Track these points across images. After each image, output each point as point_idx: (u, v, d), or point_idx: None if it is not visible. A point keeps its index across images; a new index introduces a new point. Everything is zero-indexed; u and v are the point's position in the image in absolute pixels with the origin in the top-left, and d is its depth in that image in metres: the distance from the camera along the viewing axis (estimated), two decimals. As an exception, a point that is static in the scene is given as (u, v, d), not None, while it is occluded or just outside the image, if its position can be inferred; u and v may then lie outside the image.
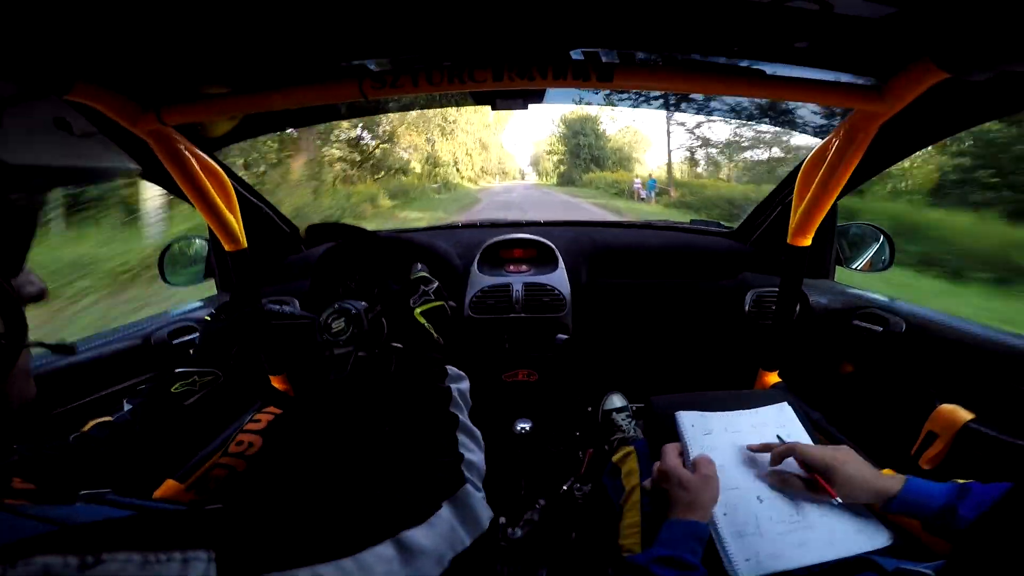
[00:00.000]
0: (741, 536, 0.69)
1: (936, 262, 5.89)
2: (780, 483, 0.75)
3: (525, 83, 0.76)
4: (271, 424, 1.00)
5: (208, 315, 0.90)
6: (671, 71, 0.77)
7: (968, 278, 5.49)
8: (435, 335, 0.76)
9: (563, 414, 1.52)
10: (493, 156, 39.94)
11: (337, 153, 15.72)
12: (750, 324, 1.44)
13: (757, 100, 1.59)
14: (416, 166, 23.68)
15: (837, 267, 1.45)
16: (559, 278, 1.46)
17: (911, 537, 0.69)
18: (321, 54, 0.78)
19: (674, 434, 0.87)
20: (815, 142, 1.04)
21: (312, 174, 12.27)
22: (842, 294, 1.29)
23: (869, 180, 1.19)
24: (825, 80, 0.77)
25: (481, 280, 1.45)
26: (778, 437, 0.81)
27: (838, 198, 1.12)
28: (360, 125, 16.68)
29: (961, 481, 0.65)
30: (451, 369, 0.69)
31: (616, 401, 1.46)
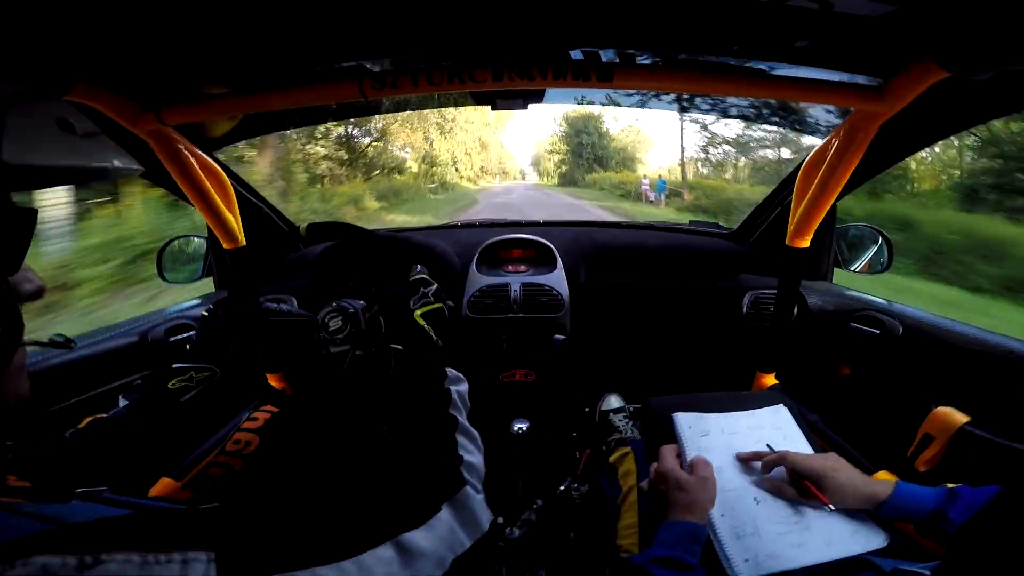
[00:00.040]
0: (739, 537, 0.69)
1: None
2: (773, 490, 0.75)
3: (525, 83, 0.76)
4: (268, 422, 1.00)
5: (205, 311, 0.90)
6: (671, 71, 0.77)
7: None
8: (434, 337, 0.76)
9: (560, 414, 1.52)
10: (493, 155, 39.28)
11: (322, 151, 14.70)
12: (748, 326, 1.44)
13: (768, 100, 1.58)
14: (412, 165, 23.13)
15: (850, 270, 1.45)
16: (557, 278, 1.46)
17: (907, 538, 0.69)
18: (321, 54, 0.78)
19: (671, 435, 0.87)
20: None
21: (282, 174, 11.23)
22: (839, 296, 1.29)
23: (872, 179, 1.18)
24: (825, 80, 0.77)
25: (479, 280, 1.45)
26: (768, 446, 0.81)
27: (837, 199, 1.12)
28: (351, 122, 16.18)
29: (951, 486, 0.66)
30: (450, 371, 0.69)
31: (613, 402, 1.46)
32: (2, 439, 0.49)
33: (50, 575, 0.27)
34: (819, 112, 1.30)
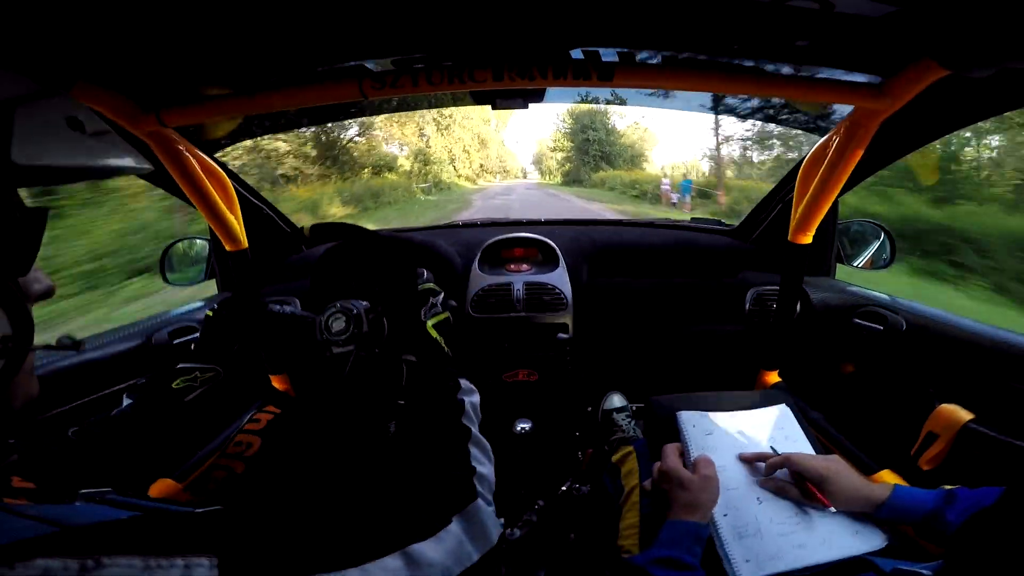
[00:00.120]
0: (741, 537, 0.69)
1: None
2: (776, 491, 0.75)
3: (525, 83, 0.76)
4: (270, 424, 1.00)
5: (209, 310, 0.90)
6: (671, 70, 0.76)
7: None
8: (446, 348, 0.75)
9: (563, 414, 1.52)
10: (493, 153, 38.49)
11: (284, 147, 12.81)
12: (750, 323, 1.44)
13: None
14: (404, 163, 21.86)
15: (853, 266, 1.44)
16: (560, 277, 1.46)
17: (907, 539, 0.70)
18: (321, 54, 0.78)
19: (674, 434, 0.87)
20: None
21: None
22: (842, 292, 1.29)
23: (935, 184, 1.18)
24: (826, 78, 0.77)
25: (482, 279, 1.45)
26: (772, 448, 0.81)
27: (839, 195, 1.12)
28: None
29: (948, 487, 0.66)
30: (463, 382, 0.69)
31: (616, 401, 1.45)
32: (7, 439, 0.49)
33: None
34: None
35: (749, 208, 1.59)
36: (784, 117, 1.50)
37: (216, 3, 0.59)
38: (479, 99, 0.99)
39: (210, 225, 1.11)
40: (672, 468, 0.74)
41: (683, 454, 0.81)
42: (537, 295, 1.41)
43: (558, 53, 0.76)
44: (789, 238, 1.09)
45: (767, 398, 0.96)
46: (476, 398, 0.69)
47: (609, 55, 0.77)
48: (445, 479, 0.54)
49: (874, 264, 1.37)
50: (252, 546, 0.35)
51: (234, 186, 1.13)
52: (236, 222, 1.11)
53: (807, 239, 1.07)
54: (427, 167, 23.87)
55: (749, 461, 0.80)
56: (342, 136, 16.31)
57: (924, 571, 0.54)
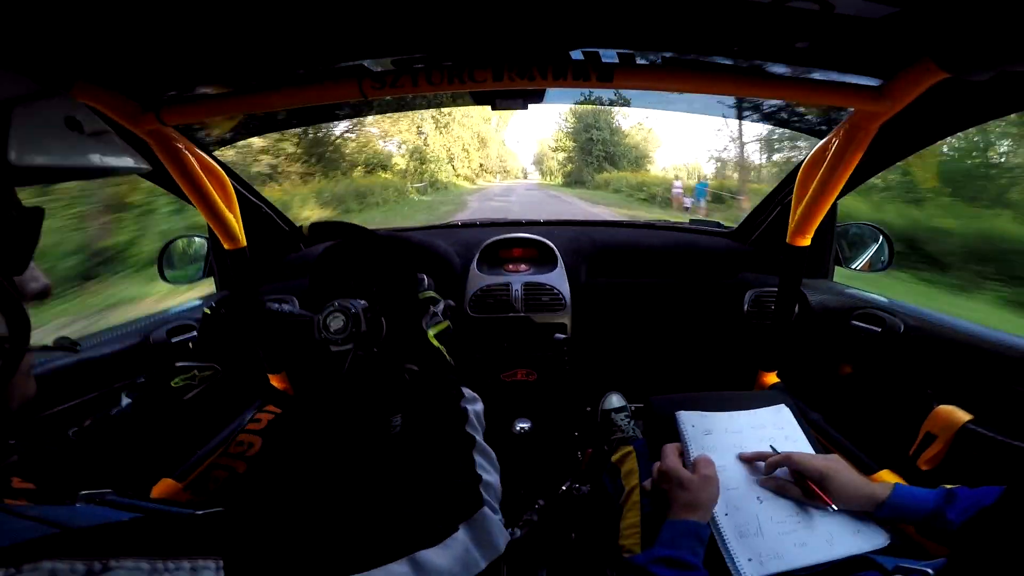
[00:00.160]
0: (743, 536, 0.70)
1: None
2: (777, 489, 0.75)
3: (525, 83, 0.76)
4: (271, 424, 1.00)
5: (207, 308, 0.89)
6: (671, 71, 0.77)
7: None
8: (448, 357, 0.75)
9: (562, 414, 1.52)
10: (493, 153, 37.74)
11: (258, 143, 11.49)
12: (749, 324, 1.44)
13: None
14: (399, 161, 20.80)
15: (851, 268, 1.44)
16: (558, 277, 1.46)
17: (908, 538, 0.70)
18: (321, 54, 0.78)
19: (674, 434, 0.87)
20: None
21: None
22: (840, 294, 1.29)
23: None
24: (825, 80, 0.77)
25: (480, 279, 1.45)
26: (771, 447, 0.81)
27: (838, 198, 1.12)
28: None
29: (949, 487, 0.66)
30: (466, 391, 0.69)
31: (615, 401, 1.46)
32: (7, 440, 0.49)
33: None
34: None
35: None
36: (784, 118, 1.50)
37: (216, 2, 0.59)
38: (479, 99, 0.99)
39: (209, 223, 1.11)
40: (672, 468, 0.74)
41: (683, 454, 0.81)
42: (536, 295, 1.41)
43: (558, 54, 0.76)
44: (787, 240, 1.09)
45: (766, 398, 0.96)
46: (479, 406, 0.69)
47: (609, 56, 0.77)
48: (451, 487, 0.53)
49: (872, 267, 1.37)
50: (258, 549, 0.35)
51: (233, 185, 1.13)
52: (235, 220, 1.11)
53: (805, 241, 1.07)
54: (424, 166, 22.89)
55: (749, 460, 0.80)
56: (330, 133, 15.31)
57: (926, 568, 0.54)
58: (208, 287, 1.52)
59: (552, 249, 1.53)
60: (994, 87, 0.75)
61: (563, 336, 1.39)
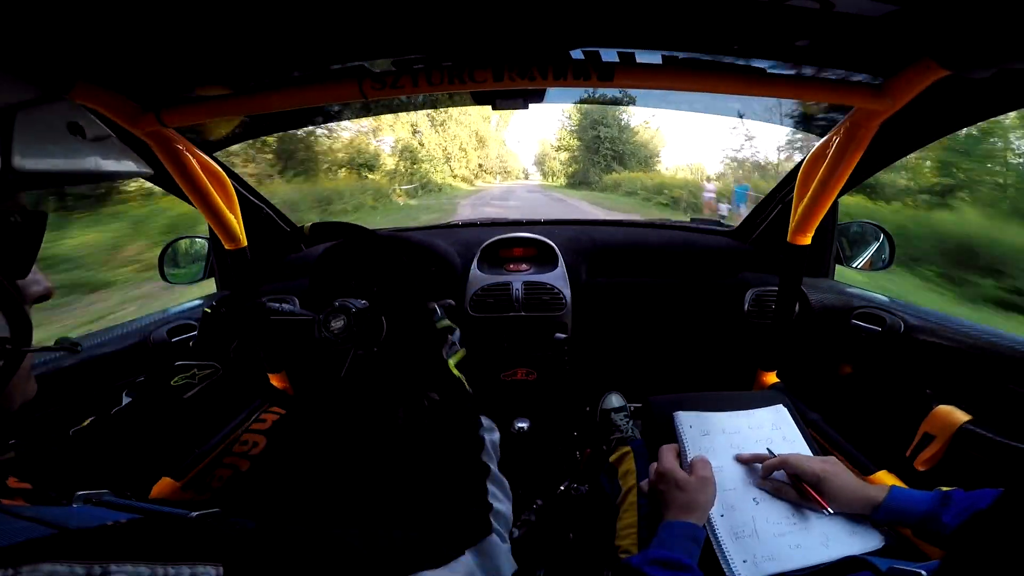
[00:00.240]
0: (738, 537, 0.70)
1: None
2: (773, 492, 0.76)
3: (525, 83, 0.76)
4: (276, 424, 1.01)
5: (208, 307, 0.90)
6: (671, 70, 0.76)
7: None
8: (467, 386, 0.76)
9: (561, 413, 1.52)
10: (493, 153, 36.72)
11: None
12: (749, 323, 1.44)
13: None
14: (388, 161, 19.31)
15: (852, 267, 1.44)
16: (559, 277, 1.46)
17: (904, 540, 0.70)
18: (321, 54, 0.78)
19: (672, 434, 0.87)
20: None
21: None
22: (841, 293, 1.29)
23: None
24: (826, 78, 0.77)
25: (481, 279, 1.45)
26: (768, 450, 0.81)
27: (838, 196, 1.12)
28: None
29: (945, 489, 0.66)
30: (484, 420, 0.69)
31: (614, 401, 1.46)
32: (7, 439, 0.49)
33: None
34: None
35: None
36: (786, 115, 1.50)
37: (216, 3, 0.59)
38: (479, 99, 0.99)
39: (209, 224, 1.11)
40: (669, 469, 0.74)
41: (680, 455, 0.81)
42: (536, 295, 1.41)
43: (558, 53, 0.76)
44: (788, 239, 1.09)
45: (765, 398, 0.96)
46: (496, 436, 0.69)
47: (609, 55, 0.77)
48: (461, 512, 0.53)
49: (873, 265, 1.37)
50: (259, 557, 0.35)
51: (234, 185, 1.13)
52: (235, 221, 1.11)
53: (806, 240, 1.07)
54: (415, 166, 21.44)
55: (746, 462, 0.80)
56: (300, 130, 13.39)
57: (920, 570, 0.54)
58: (209, 287, 1.52)
59: (552, 248, 1.53)
60: (994, 84, 0.75)
61: (563, 336, 1.39)
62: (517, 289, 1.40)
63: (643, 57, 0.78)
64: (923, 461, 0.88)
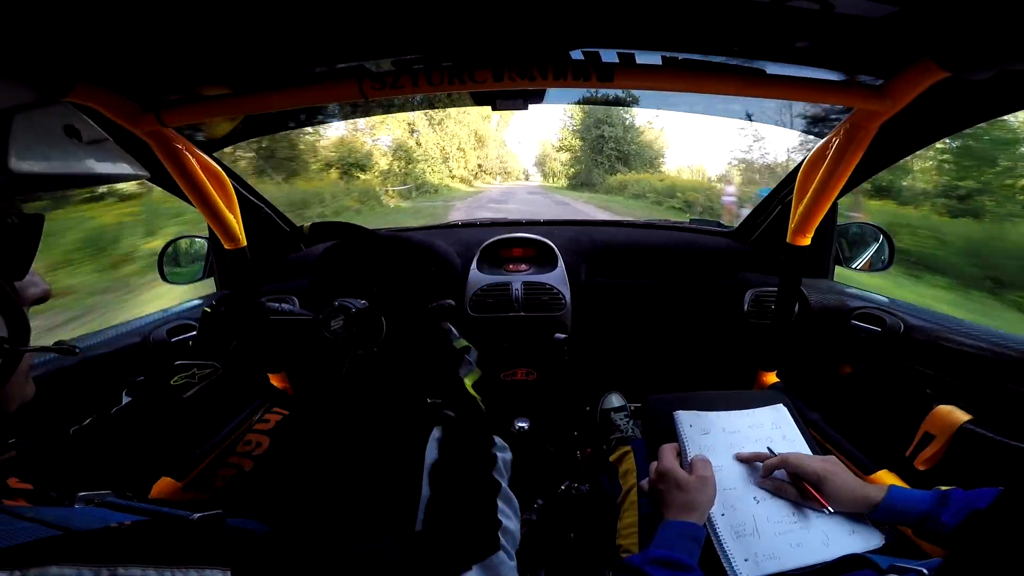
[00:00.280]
0: (739, 536, 0.70)
1: None
2: (774, 491, 0.76)
3: (525, 83, 0.76)
4: (279, 424, 1.01)
5: (207, 307, 0.90)
6: (671, 71, 0.76)
7: None
8: (482, 405, 0.76)
9: (561, 413, 1.52)
10: (493, 153, 35.91)
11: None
12: (749, 324, 1.44)
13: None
14: (381, 161, 18.61)
15: (851, 268, 1.44)
16: (558, 277, 1.46)
17: (904, 539, 0.70)
18: (321, 54, 0.78)
19: (672, 434, 0.87)
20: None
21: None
22: (841, 294, 1.29)
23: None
24: (826, 79, 0.77)
25: (480, 279, 1.45)
26: (768, 449, 0.81)
27: (838, 197, 1.12)
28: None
29: (944, 488, 0.66)
30: (497, 439, 0.69)
31: (614, 400, 1.46)
32: (8, 439, 0.49)
33: None
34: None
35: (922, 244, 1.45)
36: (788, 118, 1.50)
37: (216, 3, 0.59)
38: (479, 100, 0.99)
39: (209, 224, 1.11)
40: (669, 469, 0.74)
41: (680, 454, 0.81)
42: (536, 295, 1.41)
43: (558, 54, 0.76)
44: (788, 240, 1.09)
45: (765, 398, 0.96)
46: (508, 455, 0.69)
47: (609, 56, 0.77)
48: (470, 528, 0.53)
49: (872, 266, 1.37)
50: (266, 561, 0.35)
51: (233, 185, 1.13)
52: (235, 221, 1.11)
53: (806, 241, 1.07)
54: (410, 166, 20.55)
55: (746, 461, 0.80)
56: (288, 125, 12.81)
57: (921, 568, 0.54)
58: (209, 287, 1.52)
59: (552, 249, 1.53)
60: (994, 86, 0.75)
61: (563, 336, 1.39)
62: (517, 289, 1.40)
63: (643, 58, 0.78)
64: (923, 461, 0.88)
